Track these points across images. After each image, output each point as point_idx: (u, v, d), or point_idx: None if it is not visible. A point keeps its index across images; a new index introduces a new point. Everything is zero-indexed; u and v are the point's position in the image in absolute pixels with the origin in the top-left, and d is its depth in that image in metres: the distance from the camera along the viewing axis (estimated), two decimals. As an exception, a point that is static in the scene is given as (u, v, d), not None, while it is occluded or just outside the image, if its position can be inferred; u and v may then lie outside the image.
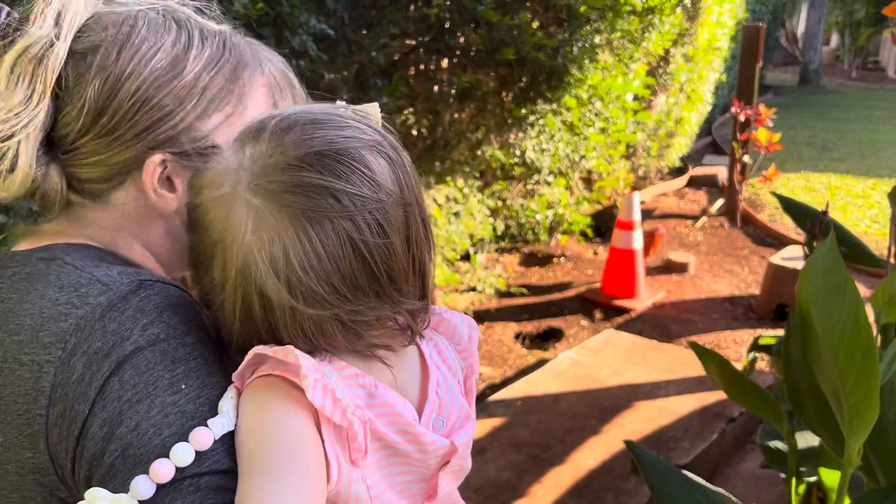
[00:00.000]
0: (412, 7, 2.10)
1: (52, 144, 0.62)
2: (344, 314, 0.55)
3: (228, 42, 0.67)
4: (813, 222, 1.64)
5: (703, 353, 1.52)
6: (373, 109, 0.64)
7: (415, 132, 3.00)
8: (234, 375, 0.57)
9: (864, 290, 4.33)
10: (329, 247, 0.53)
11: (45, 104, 0.60)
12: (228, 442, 0.54)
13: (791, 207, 1.77)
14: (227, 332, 0.59)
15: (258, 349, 0.56)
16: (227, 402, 0.55)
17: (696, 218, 5.91)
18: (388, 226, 0.55)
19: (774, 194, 1.94)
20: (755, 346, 2.06)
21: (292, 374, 0.54)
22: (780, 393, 1.65)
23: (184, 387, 0.55)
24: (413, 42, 2.35)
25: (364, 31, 1.86)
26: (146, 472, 0.51)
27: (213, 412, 0.55)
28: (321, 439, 0.54)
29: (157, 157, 0.63)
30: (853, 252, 1.60)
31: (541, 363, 3.37)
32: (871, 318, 1.17)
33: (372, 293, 0.56)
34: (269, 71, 0.70)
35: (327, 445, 0.54)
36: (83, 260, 0.61)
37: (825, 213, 1.64)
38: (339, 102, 0.64)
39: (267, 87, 0.69)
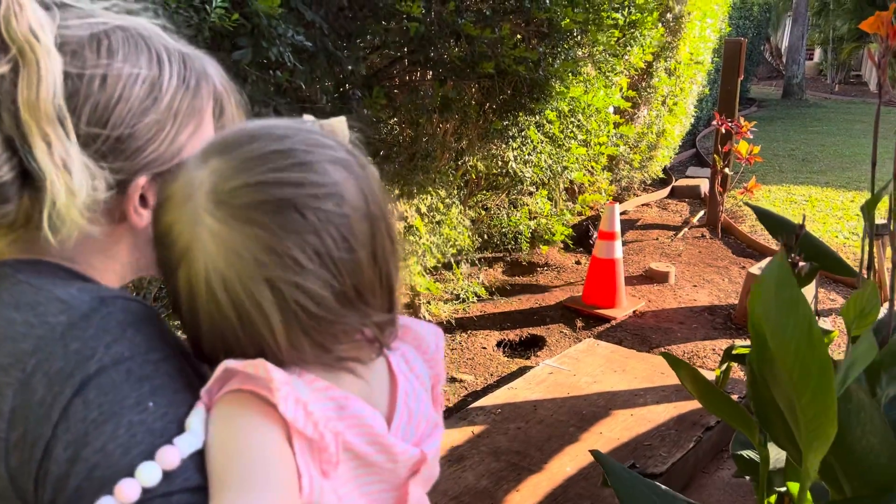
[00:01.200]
0: (392, 20, 2.13)
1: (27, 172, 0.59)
2: (312, 327, 0.55)
3: (188, 58, 0.67)
4: (788, 234, 1.66)
5: (676, 363, 1.54)
6: (339, 124, 0.64)
7: (398, 142, 3.03)
8: (203, 391, 0.56)
9: (840, 301, 4.40)
10: (300, 263, 0.53)
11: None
12: (198, 459, 0.53)
13: (766, 217, 1.79)
14: (194, 342, 0.59)
15: (228, 364, 0.55)
16: (194, 420, 0.55)
17: (677, 228, 5.98)
18: (354, 240, 0.55)
19: (748, 205, 1.97)
20: (728, 356, 2.09)
21: (262, 388, 0.54)
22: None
23: (151, 405, 0.54)
24: (394, 54, 2.38)
25: (344, 43, 1.89)
26: (112, 492, 0.50)
27: (182, 430, 0.54)
28: (292, 452, 0.54)
29: (141, 181, 0.63)
30: (824, 261, 1.62)
31: (522, 371, 3.40)
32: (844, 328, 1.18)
33: (339, 305, 0.56)
34: (213, 80, 0.70)
35: (298, 458, 0.54)
36: (38, 277, 0.60)
37: (801, 226, 1.66)
38: (305, 117, 0.64)
39: (213, 96, 0.70)
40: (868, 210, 1.57)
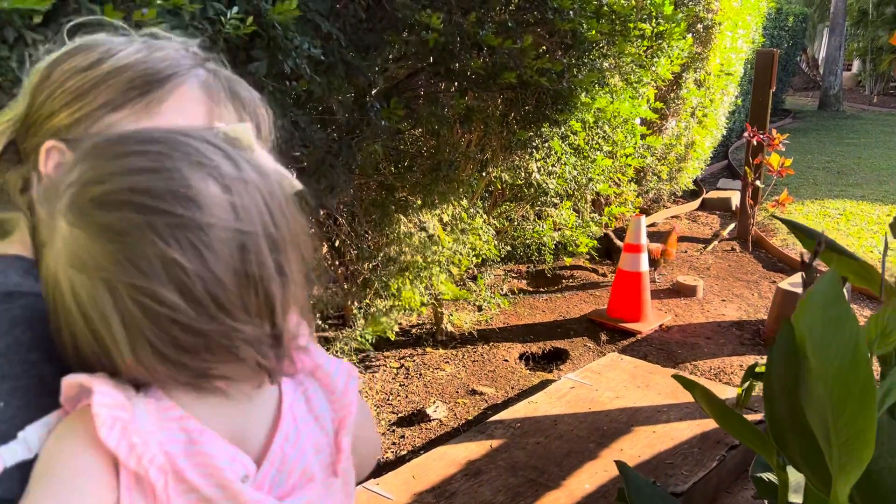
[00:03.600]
0: (412, 32, 2.13)
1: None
2: (156, 335, 0.52)
3: (174, 60, 0.68)
4: (811, 251, 1.61)
5: (689, 384, 1.50)
6: (242, 132, 0.63)
7: (421, 153, 3.03)
8: (62, 400, 0.55)
9: (875, 318, 4.28)
10: (141, 268, 0.51)
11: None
12: (25, 471, 0.52)
13: (797, 229, 1.73)
14: (62, 346, 0.56)
15: (69, 378, 0.53)
16: (33, 430, 0.53)
17: (707, 241, 5.88)
18: (210, 252, 0.52)
19: (777, 217, 1.92)
20: (750, 374, 2.04)
21: None
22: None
23: (1, 405, 0.53)
24: (415, 65, 2.38)
25: (363, 55, 1.89)
26: None
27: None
28: (117, 483, 0.52)
29: (49, 143, 0.64)
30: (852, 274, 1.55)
31: (544, 384, 3.36)
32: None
33: (194, 313, 0.52)
34: (227, 100, 0.69)
35: (122, 490, 0.52)
36: None
37: (820, 242, 1.61)
38: (215, 123, 0.63)
39: (209, 111, 0.68)
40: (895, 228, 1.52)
